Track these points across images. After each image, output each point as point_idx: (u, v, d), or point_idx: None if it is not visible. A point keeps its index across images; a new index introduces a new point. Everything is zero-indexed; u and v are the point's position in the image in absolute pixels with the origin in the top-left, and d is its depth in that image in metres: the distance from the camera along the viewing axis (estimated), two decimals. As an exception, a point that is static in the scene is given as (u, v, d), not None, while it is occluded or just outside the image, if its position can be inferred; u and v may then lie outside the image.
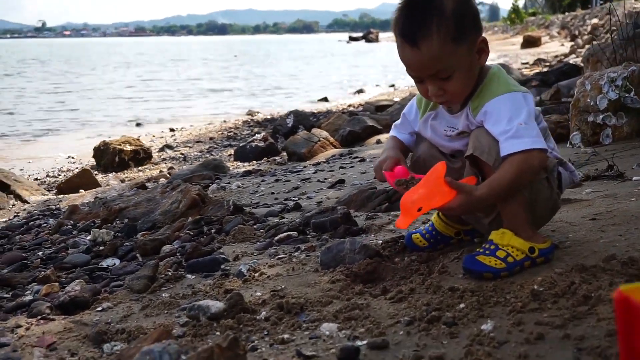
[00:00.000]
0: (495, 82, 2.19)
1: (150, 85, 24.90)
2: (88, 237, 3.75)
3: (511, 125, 2.08)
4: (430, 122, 2.35)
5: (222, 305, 2.24)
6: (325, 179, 4.93)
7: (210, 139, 10.79)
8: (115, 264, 3.25)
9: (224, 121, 13.49)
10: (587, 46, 14.78)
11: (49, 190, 7.34)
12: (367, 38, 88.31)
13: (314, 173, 5.38)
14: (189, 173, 6.14)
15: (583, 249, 2.22)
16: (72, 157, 10.11)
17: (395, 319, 1.96)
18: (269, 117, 13.16)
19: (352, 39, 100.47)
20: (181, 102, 18.52)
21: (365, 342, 1.84)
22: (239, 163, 7.51)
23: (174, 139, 11.22)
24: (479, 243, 2.44)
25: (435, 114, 2.34)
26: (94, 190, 6.57)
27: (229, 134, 11.14)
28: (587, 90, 4.26)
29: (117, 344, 2.18)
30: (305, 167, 6.06)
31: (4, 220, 5.47)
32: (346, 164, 5.65)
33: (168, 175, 7.13)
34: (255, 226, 3.46)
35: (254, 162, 7.39)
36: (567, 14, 45.66)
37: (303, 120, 8.59)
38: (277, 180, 5.18)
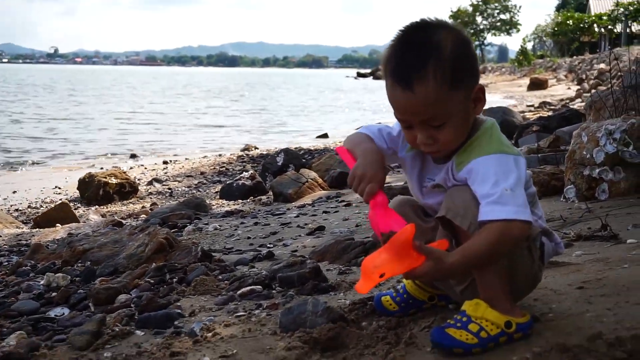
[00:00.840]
0: (487, 139, 1.99)
1: (152, 117, 24.94)
2: (41, 282, 3.54)
3: (496, 189, 1.89)
4: (411, 163, 2.17)
5: (161, 375, 2.03)
6: (306, 224, 4.75)
7: (201, 173, 10.62)
8: (64, 313, 3.02)
9: (219, 155, 13.40)
10: (592, 91, 14.71)
11: (25, 223, 7.15)
12: (375, 75, 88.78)
13: (295, 217, 5.20)
14: (168, 211, 5.95)
15: (566, 324, 2.02)
16: (59, 188, 9.95)
17: (351, 401, 1.77)
18: (264, 152, 13.02)
19: (360, 75, 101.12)
20: (181, 135, 18.47)
21: None
22: (224, 201, 7.31)
23: (165, 172, 11.07)
24: (453, 310, 2.24)
25: (421, 156, 2.15)
26: (68, 225, 6.38)
27: (221, 169, 10.99)
28: (583, 142, 4.10)
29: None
30: (288, 209, 5.88)
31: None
32: (331, 207, 5.48)
33: (149, 211, 6.95)
34: (220, 277, 3.25)
35: (240, 201, 7.19)
36: (574, 57, 45.87)
37: (294, 159, 8.41)
38: (256, 224, 5.00)
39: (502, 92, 32.37)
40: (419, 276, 1.97)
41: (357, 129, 2.26)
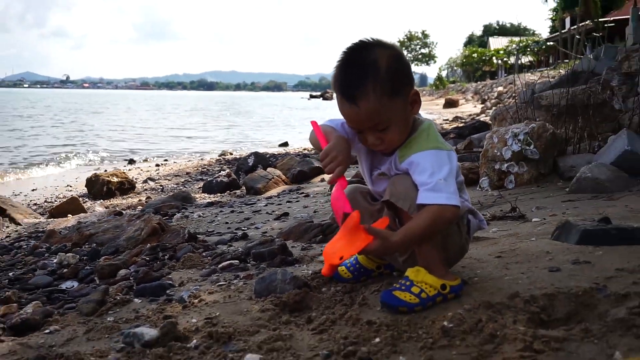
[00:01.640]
0: (425, 137, 1.92)
1: (146, 129, 24.49)
2: (54, 260, 3.37)
3: (432, 179, 1.82)
4: (366, 154, 2.07)
5: (156, 333, 1.91)
6: (273, 211, 4.62)
7: (187, 173, 10.39)
8: (73, 286, 2.88)
9: (201, 159, 13.18)
10: (493, 108, 14.88)
11: (42, 214, 6.88)
12: (324, 96, 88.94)
13: (264, 206, 5.07)
14: (160, 203, 5.77)
15: (489, 286, 1.96)
16: (70, 186, 9.67)
17: (314, 352, 1.67)
18: (237, 157, 12.83)
19: (312, 96, 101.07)
20: (171, 144, 18.13)
21: (283, 376, 1.54)
22: (206, 195, 7.12)
23: (158, 173, 10.81)
24: (397, 276, 2.17)
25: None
26: (77, 215, 6.15)
27: (203, 169, 10.76)
28: (494, 143, 4.08)
29: (52, 370, 1.83)
30: (258, 200, 5.74)
31: (-5, 241, 5.03)
32: (293, 198, 5.36)
33: (145, 203, 6.75)
34: (204, 254, 3.13)
35: (219, 194, 7.02)
36: (479, 82, 46.52)
37: (262, 160, 8.28)
38: (232, 212, 4.86)
39: (424, 109, 32.53)
40: (370, 253, 1.92)
41: (324, 123, 2.15)
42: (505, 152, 4.00)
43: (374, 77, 1.82)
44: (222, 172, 7.85)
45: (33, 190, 9.40)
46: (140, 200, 7.45)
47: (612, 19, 32.20)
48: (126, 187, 8.33)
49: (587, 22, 35.53)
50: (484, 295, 1.87)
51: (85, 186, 8.60)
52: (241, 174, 7.95)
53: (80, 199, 7.48)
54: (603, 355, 1.42)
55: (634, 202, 3.03)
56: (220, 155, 13.61)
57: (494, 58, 55.84)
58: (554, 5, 45.72)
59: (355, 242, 1.86)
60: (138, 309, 2.32)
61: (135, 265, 3.03)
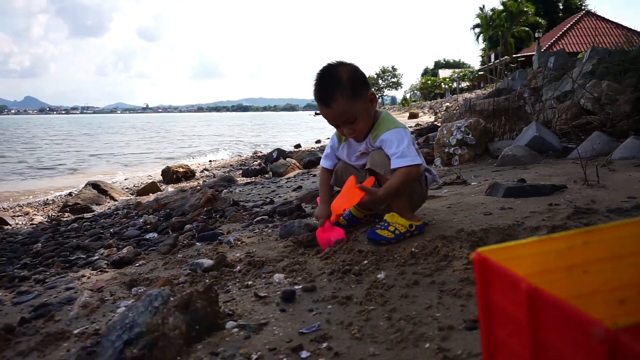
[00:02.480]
0: (385, 122, 1.90)
1: (202, 137, 24.40)
2: (141, 220, 3.36)
3: (399, 149, 1.80)
4: (346, 150, 2.05)
5: (212, 262, 1.91)
6: (291, 186, 4.58)
7: (231, 165, 10.31)
8: (154, 236, 2.88)
9: (239, 155, 13.12)
10: (443, 116, 14.75)
11: (132, 194, 6.88)
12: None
13: (285, 183, 5.03)
14: (213, 183, 5.74)
15: (443, 225, 1.94)
16: (150, 175, 9.64)
17: (322, 271, 1.66)
18: (265, 153, 12.77)
19: (316, 114, 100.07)
20: (219, 146, 18.00)
21: (300, 286, 1.53)
22: (244, 178, 7.07)
23: (210, 165, 10.75)
24: (378, 222, 2.16)
25: (348, 144, 2.04)
26: (156, 194, 6.14)
27: (241, 162, 10.70)
28: (444, 134, 4.03)
29: (141, 288, 1.84)
30: (280, 179, 5.69)
31: (101, 211, 5.04)
32: (305, 177, 5.33)
33: (202, 184, 6.73)
34: (244, 213, 3.11)
35: (253, 177, 6.96)
36: (432, 101, 46.20)
37: (282, 154, 8.22)
38: (262, 187, 4.82)
39: (394, 120, 32.34)
40: (363, 204, 1.88)
41: (323, 155, 2.16)
42: (452, 140, 3.96)
43: (340, 87, 1.80)
44: (255, 163, 7.82)
45: (125, 179, 9.39)
46: (198, 183, 7.42)
47: (522, 54, 32.00)
48: (188, 175, 8.28)
49: (505, 57, 35.28)
50: (439, 231, 1.85)
51: (161, 175, 8.58)
52: (268, 164, 7.89)
53: (158, 183, 7.46)
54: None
55: (541, 169, 3.00)
56: (253, 153, 13.55)
57: (442, 84, 55.43)
58: (483, 45, 45.49)
59: (353, 198, 1.85)
60: (199, 248, 2.32)
61: (196, 222, 3.03)
